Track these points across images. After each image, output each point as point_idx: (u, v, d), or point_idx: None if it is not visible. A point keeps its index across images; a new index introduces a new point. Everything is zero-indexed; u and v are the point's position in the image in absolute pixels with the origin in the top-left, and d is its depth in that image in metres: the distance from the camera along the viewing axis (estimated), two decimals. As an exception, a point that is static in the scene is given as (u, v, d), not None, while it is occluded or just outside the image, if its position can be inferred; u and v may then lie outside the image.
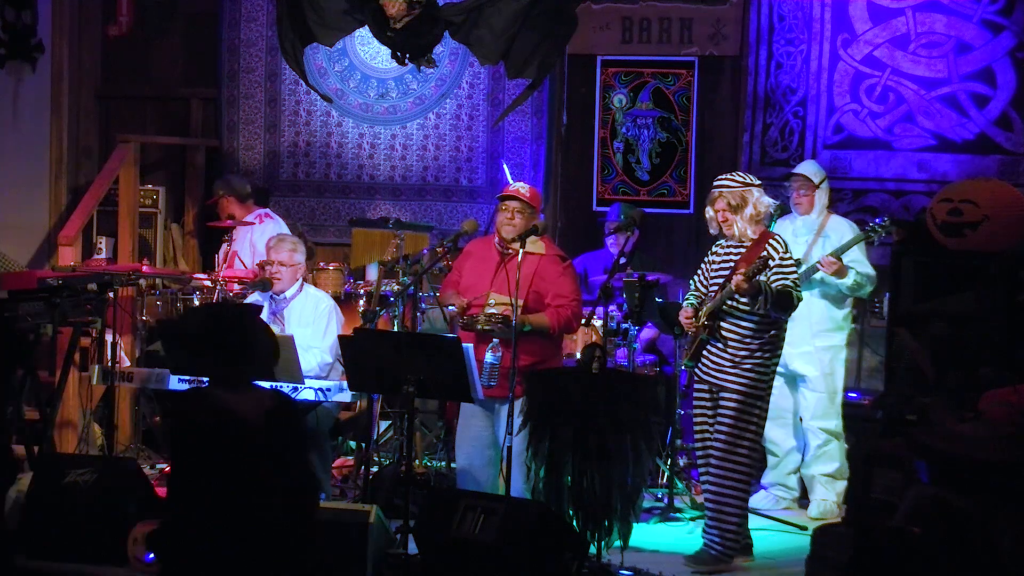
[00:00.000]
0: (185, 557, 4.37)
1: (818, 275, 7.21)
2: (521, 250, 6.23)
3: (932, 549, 4.07)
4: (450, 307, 6.53)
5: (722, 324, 6.22)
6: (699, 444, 6.41)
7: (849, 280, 7.21)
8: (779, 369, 7.34)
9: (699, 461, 6.46)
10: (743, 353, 6.18)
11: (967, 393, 6.14)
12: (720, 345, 6.23)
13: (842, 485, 7.28)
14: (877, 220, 7.26)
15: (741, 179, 6.33)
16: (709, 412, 6.32)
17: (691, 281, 6.56)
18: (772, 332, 6.24)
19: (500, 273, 6.39)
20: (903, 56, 8.42)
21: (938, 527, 4.09)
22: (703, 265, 6.50)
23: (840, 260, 7.15)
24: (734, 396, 6.19)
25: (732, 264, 6.25)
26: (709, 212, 6.37)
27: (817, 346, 7.31)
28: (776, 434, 7.46)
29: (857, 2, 8.48)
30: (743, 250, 6.25)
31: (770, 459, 7.54)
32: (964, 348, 7.10)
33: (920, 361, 7.25)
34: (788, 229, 7.42)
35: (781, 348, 6.36)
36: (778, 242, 6.26)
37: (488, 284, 6.42)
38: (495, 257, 6.49)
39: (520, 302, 6.19)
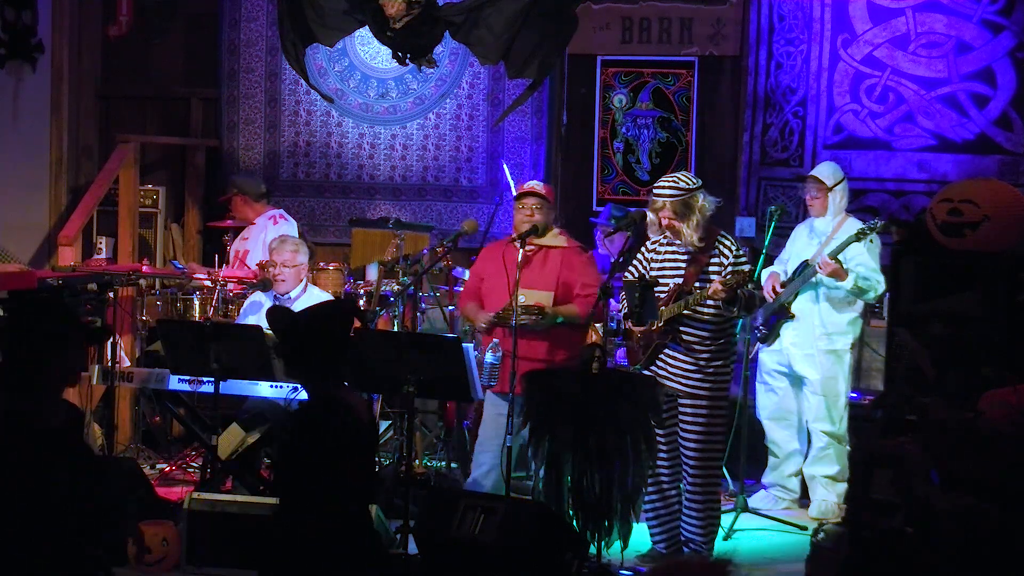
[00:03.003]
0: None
1: (817, 277, 7.17)
2: (521, 249, 6.33)
3: (935, 549, 4.07)
4: (481, 324, 6.54)
5: (682, 329, 6.14)
6: (663, 449, 6.22)
7: (848, 283, 7.10)
8: (785, 369, 7.35)
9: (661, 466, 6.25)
10: (706, 356, 6.13)
11: (967, 393, 6.14)
12: (681, 349, 6.16)
13: (843, 487, 7.25)
14: (868, 220, 7.20)
15: (686, 184, 6.15)
16: (669, 418, 6.21)
17: (626, 276, 6.41)
18: (728, 333, 6.22)
19: (524, 270, 6.41)
20: (903, 56, 8.42)
21: (952, 529, 4.09)
22: (639, 263, 6.39)
23: (839, 262, 7.09)
24: (703, 402, 6.14)
25: (680, 266, 6.20)
26: (651, 216, 6.27)
27: (820, 349, 7.25)
28: (779, 435, 7.44)
29: (857, 2, 8.48)
30: (690, 249, 6.19)
31: (771, 459, 7.53)
32: (964, 348, 7.10)
33: (920, 361, 7.25)
34: (804, 232, 7.40)
35: (736, 346, 6.34)
36: (728, 240, 6.21)
37: (513, 283, 6.43)
38: (517, 255, 6.50)
39: (549, 294, 6.34)
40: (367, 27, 7.85)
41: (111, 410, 7.47)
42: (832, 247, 7.16)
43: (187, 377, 6.90)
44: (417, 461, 7.41)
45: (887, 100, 8.47)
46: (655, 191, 6.24)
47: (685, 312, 6.11)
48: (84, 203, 8.81)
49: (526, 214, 6.50)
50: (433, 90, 9.36)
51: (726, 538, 6.67)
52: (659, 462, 6.20)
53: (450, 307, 8.31)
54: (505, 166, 9.01)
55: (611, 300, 6.45)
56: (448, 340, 6.11)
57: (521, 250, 6.36)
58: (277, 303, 7.27)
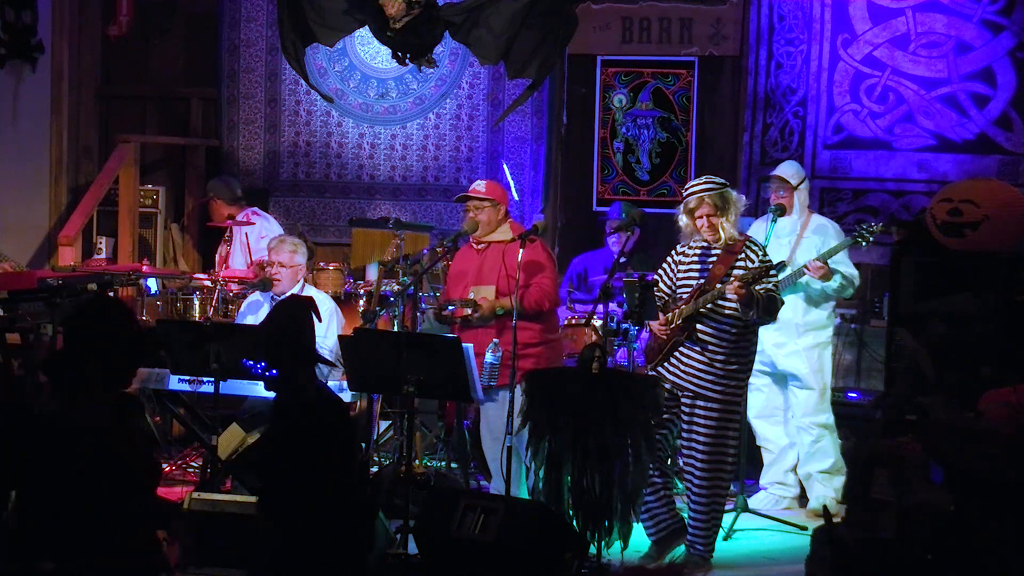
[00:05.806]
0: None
1: (804, 278, 7.18)
2: (521, 249, 6.38)
3: (927, 550, 4.07)
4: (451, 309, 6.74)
5: (699, 327, 6.11)
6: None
7: (834, 283, 7.14)
8: (767, 369, 7.35)
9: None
10: (721, 358, 6.10)
11: (967, 393, 6.15)
12: (697, 348, 6.13)
13: (840, 480, 7.26)
14: (866, 224, 7.19)
15: (718, 181, 6.20)
16: (666, 415, 6.21)
17: (655, 277, 6.41)
18: (747, 337, 6.19)
19: (478, 268, 6.68)
20: (903, 56, 8.42)
21: (948, 537, 4.09)
22: (667, 267, 6.36)
23: (827, 264, 7.11)
24: (714, 405, 6.11)
25: (705, 267, 6.17)
26: (684, 220, 6.20)
27: (805, 344, 7.27)
28: (769, 432, 7.46)
29: (857, 2, 8.49)
30: (717, 251, 6.17)
31: (765, 457, 7.52)
32: (964, 348, 7.12)
33: (920, 361, 7.26)
34: (768, 232, 7.41)
35: (755, 352, 6.31)
36: (756, 245, 6.21)
37: (471, 281, 6.69)
38: (472, 254, 6.77)
39: (493, 288, 6.51)
40: (367, 27, 7.86)
41: (111, 410, 7.46)
42: (816, 246, 7.17)
43: (187, 377, 6.90)
44: (417, 461, 7.41)
45: (887, 100, 8.47)
46: (689, 191, 6.21)
47: (702, 311, 6.09)
48: (84, 203, 8.82)
49: (470, 216, 6.75)
50: (433, 90, 9.37)
51: (726, 538, 6.66)
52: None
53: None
54: (505, 166, 9.02)
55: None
56: (448, 340, 6.10)
57: (484, 250, 6.56)
58: (273, 303, 7.29)
